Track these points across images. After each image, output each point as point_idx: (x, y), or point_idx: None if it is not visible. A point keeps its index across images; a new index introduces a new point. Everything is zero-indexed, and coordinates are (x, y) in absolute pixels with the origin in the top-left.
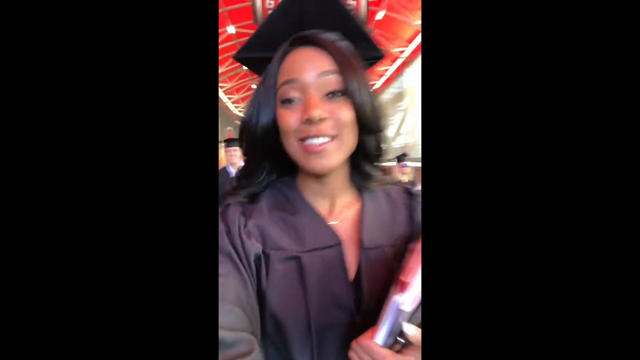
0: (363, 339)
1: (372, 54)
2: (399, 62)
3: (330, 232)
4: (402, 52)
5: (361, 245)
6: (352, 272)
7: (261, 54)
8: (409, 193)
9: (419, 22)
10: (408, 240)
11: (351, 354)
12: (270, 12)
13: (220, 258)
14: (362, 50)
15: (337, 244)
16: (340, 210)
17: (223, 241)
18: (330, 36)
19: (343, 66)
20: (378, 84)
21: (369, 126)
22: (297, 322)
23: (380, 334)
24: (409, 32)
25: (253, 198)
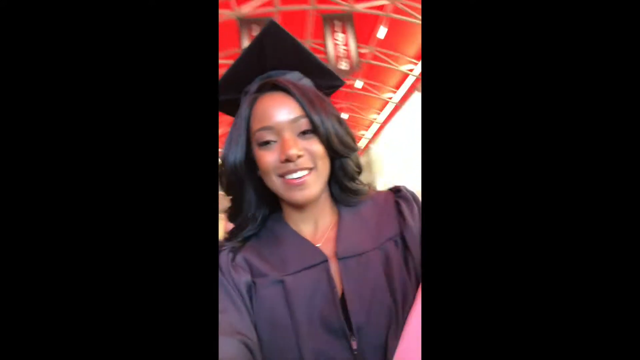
0: None
1: (332, 83)
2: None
3: (315, 250)
4: (390, 98)
5: (336, 256)
6: (340, 289)
7: (229, 96)
8: (395, 191)
9: (405, 67)
10: (401, 237)
11: None
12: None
13: (219, 296)
14: (323, 81)
15: (324, 261)
16: (322, 232)
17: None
18: (293, 78)
19: (308, 107)
20: (369, 133)
21: (340, 152)
22: (289, 353)
23: None
24: (395, 78)
25: (247, 240)
